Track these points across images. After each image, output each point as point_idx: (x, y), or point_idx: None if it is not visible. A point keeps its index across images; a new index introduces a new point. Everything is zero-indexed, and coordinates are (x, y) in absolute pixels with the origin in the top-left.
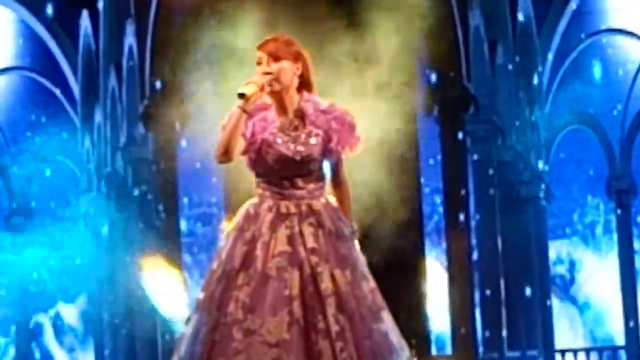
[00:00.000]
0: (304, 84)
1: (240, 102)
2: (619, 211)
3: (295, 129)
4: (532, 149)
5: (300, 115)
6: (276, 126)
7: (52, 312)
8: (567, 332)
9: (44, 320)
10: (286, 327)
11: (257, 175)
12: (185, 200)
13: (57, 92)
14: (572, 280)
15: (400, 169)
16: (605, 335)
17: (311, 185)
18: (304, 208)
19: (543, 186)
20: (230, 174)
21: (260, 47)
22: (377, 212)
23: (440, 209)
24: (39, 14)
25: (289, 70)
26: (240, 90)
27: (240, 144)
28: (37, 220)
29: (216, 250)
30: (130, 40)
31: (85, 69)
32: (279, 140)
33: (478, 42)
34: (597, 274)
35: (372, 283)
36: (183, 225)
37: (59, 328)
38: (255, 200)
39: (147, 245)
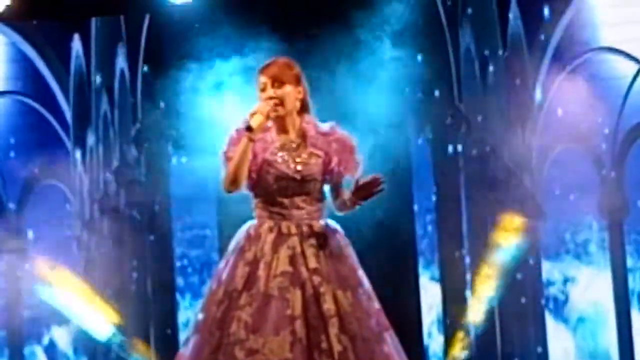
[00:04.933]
0: (303, 106)
1: (247, 132)
2: (611, 230)
3: (296, 148)
4: (524, 168)
5: (301, 136)
6: (277, 146)
7: (45, 338)
8: (562, 350)
9: (38, 348)
10: (288, 346)
11: (257, 195)
12: (178, 223)
13: (49, 115)
14: (567, 298)
15: (392, 188)
16: (600, 353)
17: (311, 206)
18: (304, 229)
19: (535, 205)
20: (223, 196)
21: (262, 72)
22: (369, 233)
23: (433, 229)
24: (29, 37)
25: (292, 94)
26: (249, 124)
27: None
28: (30, 243)
29: (215, 271)
30: (121, 63)
31: (77, 93)
32: (280, 159)
33: (469, 61)
34: (592, 292)
35: (376, 304)
36: (175, 247)
37: (52, 354)
38: (254, 221)
39: (140, 268)
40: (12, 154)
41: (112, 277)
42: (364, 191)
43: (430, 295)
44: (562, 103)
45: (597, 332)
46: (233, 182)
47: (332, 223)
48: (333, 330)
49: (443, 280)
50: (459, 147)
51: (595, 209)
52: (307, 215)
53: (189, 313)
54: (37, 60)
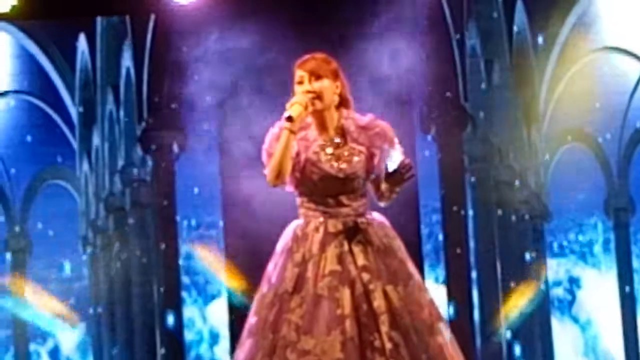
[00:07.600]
0: (342, 101)
1: (287, 124)
2: (617, 230)
3: (338, 146)
4: (530, 168)
5: (342, 132)
6: (319, 144)
7: (50, 340)
8: (568, 351)
9: (42, 349)
10: (339, 346)
11: (301, 194)
12: (184, 222)
13: (54, 114)
14: (573, 299)
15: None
16: (605, 354)
17: (355, 203)
18: (351, 226)
19: (540, 205)
20: (229, 196)
21: (300, 66)
22: None
23: (438, 229)
24: (35, 36)
25: (329, 88)
26: (287, 114)
27: None
28: (35, 243)
29: (265, 273)
30: (127, 62)
31: (83, 92)
32: (323, 159)
33: (474, 61)
34: (597, 292)
35: (428, 295)
36: (181, 247)
37: (57, 358)
38: (300, 221)
39: (145, 268)
40: (17, 153)
41: (118, 276)
42: (395, 179)
43: (436, 296)
44: (567, 103)
45: (603, 333)
46: (278, 176)
47: (378, 216)
48: (384, 328)
49: (448, 281)
50: (464, 147)
51: (600, 209)
52: (352, 211)
53: (194, 310)
54: (42, 59)
